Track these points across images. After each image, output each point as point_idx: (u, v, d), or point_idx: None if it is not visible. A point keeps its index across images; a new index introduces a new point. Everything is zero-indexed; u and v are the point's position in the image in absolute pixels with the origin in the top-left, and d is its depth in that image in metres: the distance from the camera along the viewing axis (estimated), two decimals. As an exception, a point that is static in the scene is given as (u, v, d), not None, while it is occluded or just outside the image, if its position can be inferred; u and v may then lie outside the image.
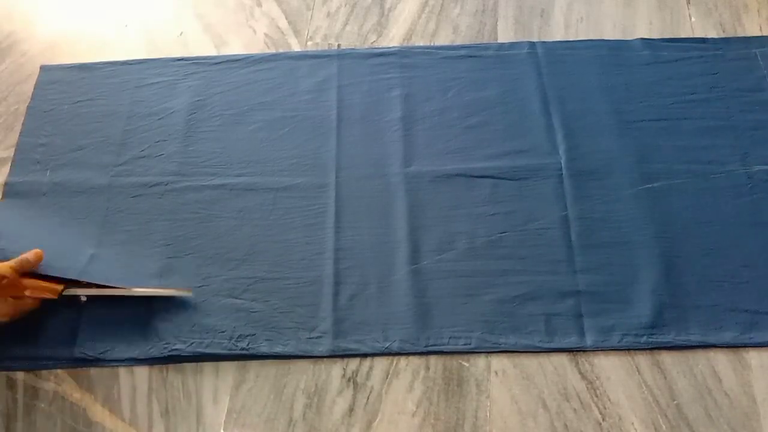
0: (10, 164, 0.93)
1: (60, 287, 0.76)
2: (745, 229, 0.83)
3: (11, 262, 0.73)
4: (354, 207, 0.87)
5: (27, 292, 0.74)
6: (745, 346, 0.76)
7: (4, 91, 1.02)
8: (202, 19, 1.10)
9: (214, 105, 0.97)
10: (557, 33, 1.04)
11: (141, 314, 0.80)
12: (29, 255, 0.75)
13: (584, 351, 0.76)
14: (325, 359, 0.77)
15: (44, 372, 0.78)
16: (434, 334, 0.78)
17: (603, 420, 0.72)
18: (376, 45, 1.04)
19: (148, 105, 0.98)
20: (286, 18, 1.08)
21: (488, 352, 0.77)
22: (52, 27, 1.10)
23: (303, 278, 0.82)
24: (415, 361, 0.77)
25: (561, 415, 0.73)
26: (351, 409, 0.75)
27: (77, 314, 0.80)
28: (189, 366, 0.78)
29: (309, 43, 1.05)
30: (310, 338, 0.78)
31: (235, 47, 1.05)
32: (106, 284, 0.77)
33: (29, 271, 0.75)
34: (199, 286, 0.81)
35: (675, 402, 0.73)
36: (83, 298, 0.80)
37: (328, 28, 1.07)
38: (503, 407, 0.74)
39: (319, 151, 0.92)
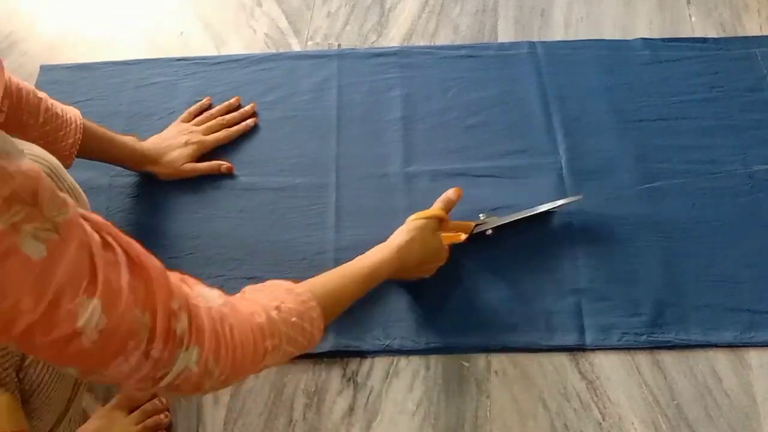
0: (10, 164, 0.93)
1: (471, 224, 0.80)
2: (745, 229, 0.83)
3: (439, 204, 0.77)
4: (354, 207, 0.87)
5: (448, 233, 0.77)
6: (745, 345, 0.76)
7: (5, 91, 1.02)
8: (202, 19, 1.10)
9: (215, 105, 0.97)
10: (557, 33, 1.04)
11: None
12: (450, 193, 0.78)
13: (584, 351, 0.76)
14: (325, 359, 0.77)
15: (44, 372, 0.78)
16: (434, 332, 0.78)
17: (603, 420, 0.72)
18: (376, 45, 1.04)
19: (148, 105, 0.98)
20: (287, 18, 1.08)
21: (488, 351, 0.77)
22: (52, 27, 1.10)
23: (303, 278, 0.82)
24: (415, 360, 0.77)
25: (561, 414, 0.73)
26: (351, 409, 0.75)
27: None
28: (189, 366, 0.78)
29: (309, 43, 1.06)
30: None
31: (236, 47, 1.05)
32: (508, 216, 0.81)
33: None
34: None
35: (675, 402, 0.73)
36: (489, 232, 0.80)
37: (328, 28, 1.07)
38: (503, 407, 0.74)
39: (320, 151, 0.92)
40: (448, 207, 0.77)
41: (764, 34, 1.01)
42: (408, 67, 1.00)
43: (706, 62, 0.98)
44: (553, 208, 0.82)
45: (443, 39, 1.04)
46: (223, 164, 0.90)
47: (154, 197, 0.89)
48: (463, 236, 0.78)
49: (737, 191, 0.86)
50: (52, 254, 0.35)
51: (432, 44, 1.04)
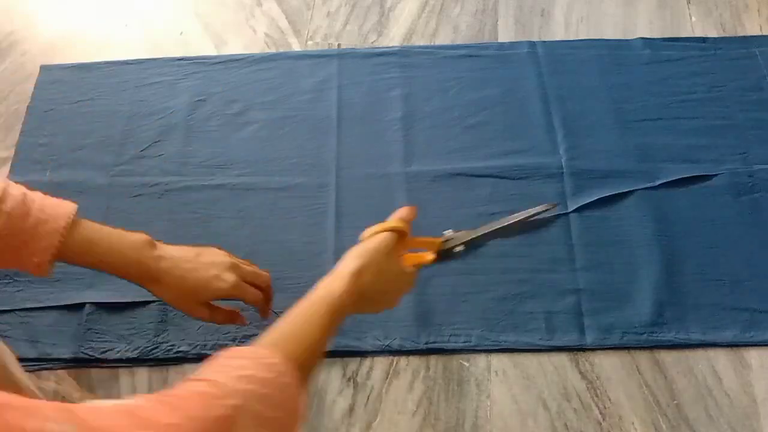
0: (10, 164, 0.93)
1: (438, 240, 0.76)
2: (745, 229, 0.83)
3: (397, 220, 0.61)
4: (354, 207, 0.87)
5: (412, 254, 0.68)
6: (744, 344, 0.76)
7: (5, 91, 1.02)
8: (202, 19, 1.10)
9: (214, 105, 0.97)
10: (557, 33, 1.04)
11: (143, 315, 0.80)
12: (403, 211, 0.63)
13: (584, 350, 0.76)
14: (325, 359, 0.77)
15: (44, 372, 0.78)
16: (434, 331, 0.78)
17: (603, 420, 0.72)
18: (376, 45, 1.04)
19: (148, 105, 0.98)
20: (287, 18, 1.08)
21: (488, 351, 0.77)
22: (52, 27, 1.10)
23: (303, 278, 0.82)
24: (415, 360, 0.77)
25: (561, 415, 0.73)
26: (351, 409, 0.75)
27: (78, 314, 0.80)
28: (189, 366, 0.78)
29: (309, 42, 1.05)
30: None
31: (235, 47, 1.05)
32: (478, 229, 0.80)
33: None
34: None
35: (675, 402, 0.73)
36: (459, 248, 0.78)
37: (328, 28, 1.07)
38: (503, 407, 0.74)
39: (320, 150, 0.92)
40: (407, 219, 0.62)
41: (764, 33, 1.01)
42: (408, 67, 1.00)
43: (706, 62, 0.98)
44: (527, 217, 0.81)
45: (443, 39, 1.04)
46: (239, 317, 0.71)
47: (154, 197, 0.89)
48: (431, 255, 0.70)
49: (737, 191, 0.86)
50: None
51: (432, 44, 1.04)
